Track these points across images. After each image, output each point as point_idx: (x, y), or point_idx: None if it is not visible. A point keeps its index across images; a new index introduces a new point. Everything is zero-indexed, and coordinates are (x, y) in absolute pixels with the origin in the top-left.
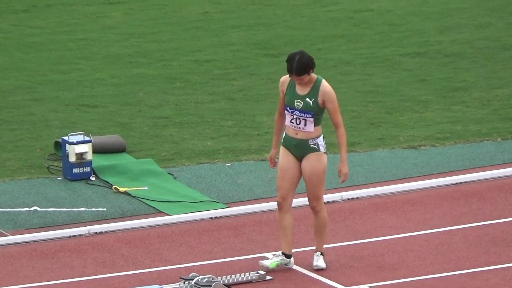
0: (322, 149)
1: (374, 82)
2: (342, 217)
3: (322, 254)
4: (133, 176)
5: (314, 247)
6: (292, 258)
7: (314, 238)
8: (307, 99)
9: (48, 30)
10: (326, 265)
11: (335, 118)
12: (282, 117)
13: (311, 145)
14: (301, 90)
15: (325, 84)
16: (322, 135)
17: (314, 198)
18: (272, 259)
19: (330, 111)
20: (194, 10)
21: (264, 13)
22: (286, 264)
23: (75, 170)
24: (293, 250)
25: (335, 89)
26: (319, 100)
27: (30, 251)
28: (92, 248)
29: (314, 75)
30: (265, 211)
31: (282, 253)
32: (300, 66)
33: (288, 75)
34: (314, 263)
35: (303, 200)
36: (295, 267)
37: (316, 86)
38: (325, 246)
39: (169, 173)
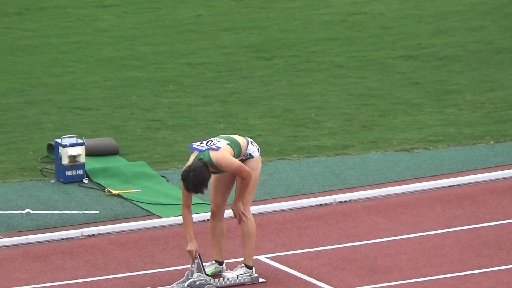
0: (254, 155)
1: (367, 85)
2: (334, 220)
3: (217, 262)
4: (126, 179)
5: (305, 250)
6: (224, 265)
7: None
8: None
9: (41, 33)
10: (202, 282)
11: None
12: (190, 209)
13: (245, 158)
14: None
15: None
16: (248, 142)
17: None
18: (208, 267)
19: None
20: (187, 13)
21: (257, 16)
22: (220, 272)
23: (68, 173)
24: (285, 253)
25: (328, 93)
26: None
27: (22, 254)
28: (85, 251)
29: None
30: (257, 214)
31: (216, 261)
32: (197, 184)
33: None
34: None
35: (292, 204)
36: (287, 269)
37: None
38: (317, 248)
39: (162, 176)
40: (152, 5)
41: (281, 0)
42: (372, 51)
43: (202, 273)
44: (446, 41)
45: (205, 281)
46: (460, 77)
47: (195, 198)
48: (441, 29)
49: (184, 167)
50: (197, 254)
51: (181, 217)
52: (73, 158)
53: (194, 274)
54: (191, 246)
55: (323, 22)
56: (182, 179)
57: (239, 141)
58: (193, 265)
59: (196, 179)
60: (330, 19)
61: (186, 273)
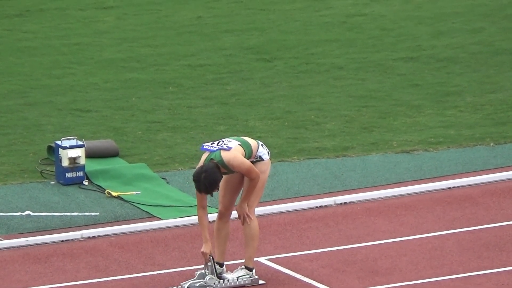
0: (264, 158)
1: (367, 86)
2: (335, 222)
3: (218, 264)
4: (126, 181)
5: (305, 252)
6: (224, 266)
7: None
8: None
9: (42, 34)
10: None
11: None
12: (206, 210)
13: (255, 161)
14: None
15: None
16: (259, 145)
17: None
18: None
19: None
20: (188, 14)
21: (257, 18)
22: (220, 273)
23: (68, 175)
24: (286, 255)
25: (328, 94)
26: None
27: (23, 256)
28: (85, 253)
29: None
30: (257, 216)
31: (216, 263)
32: (208, 185)
33: None
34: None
35: (292, 205)
36: (288, 271)
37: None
38: (317, 250)
39: (162, 178)
40: (152, 7)
41: (281, 2)
42: (372, 53)
43: (215, 276)
44: (446, 42)
45: (205, 283)
46: (460, 78)
47: (196, 200)
48: (441, 30)
49: (196, 168)
50: (211, 256)
51: (180, 219)
52: (73, 160)
53: (206, 277)
54: (206, 248)
55: (323, 23)
56: (194, 180)
57: (250, 142)
58: (206, 268)
59: (208, 180)
60: (330, 20)
61: (199, 273)
